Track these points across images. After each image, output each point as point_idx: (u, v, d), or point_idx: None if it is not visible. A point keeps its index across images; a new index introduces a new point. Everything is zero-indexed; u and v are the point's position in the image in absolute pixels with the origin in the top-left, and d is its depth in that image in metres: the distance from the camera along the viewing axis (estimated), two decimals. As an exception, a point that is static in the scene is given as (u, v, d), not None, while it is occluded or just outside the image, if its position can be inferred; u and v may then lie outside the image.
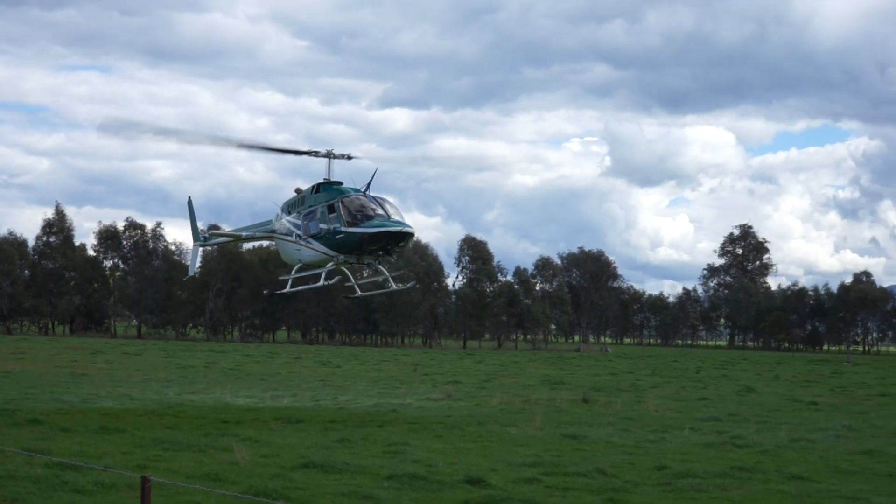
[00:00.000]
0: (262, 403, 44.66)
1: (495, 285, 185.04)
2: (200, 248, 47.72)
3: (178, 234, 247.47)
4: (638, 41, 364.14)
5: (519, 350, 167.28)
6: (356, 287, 39.17)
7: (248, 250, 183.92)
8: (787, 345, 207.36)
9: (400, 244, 36.42)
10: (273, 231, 40.68)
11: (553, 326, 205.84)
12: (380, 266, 37.91)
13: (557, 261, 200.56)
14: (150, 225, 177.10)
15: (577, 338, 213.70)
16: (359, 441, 31.30)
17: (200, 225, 48.44)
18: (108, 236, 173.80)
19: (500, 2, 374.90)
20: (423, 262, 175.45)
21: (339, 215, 35.88)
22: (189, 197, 46.80)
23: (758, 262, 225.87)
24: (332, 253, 36.76)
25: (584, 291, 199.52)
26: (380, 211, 35.78)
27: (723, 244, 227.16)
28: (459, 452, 29.60)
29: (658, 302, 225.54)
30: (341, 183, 37.80)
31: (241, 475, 23.77)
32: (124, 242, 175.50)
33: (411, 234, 36.36)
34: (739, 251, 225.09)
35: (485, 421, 39.36)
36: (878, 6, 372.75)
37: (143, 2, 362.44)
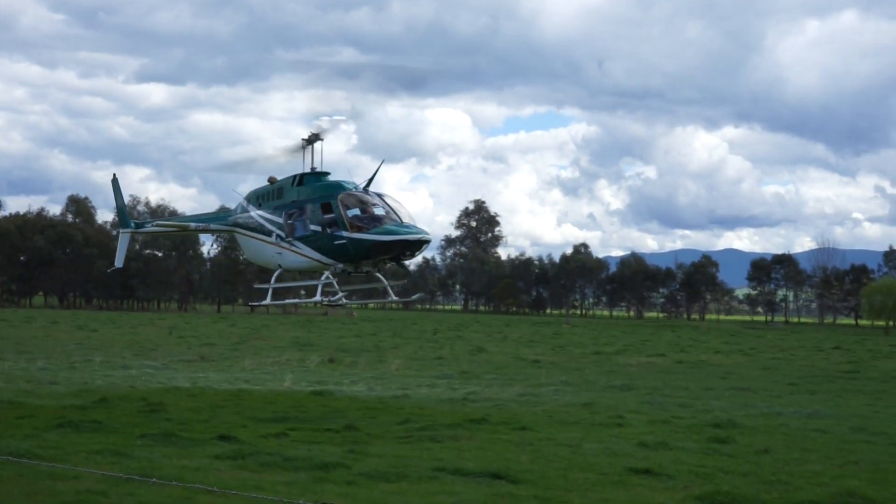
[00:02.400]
0: (17, 366, 42.56)
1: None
2: (129, 236, 35.74)
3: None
4: (382, 28, 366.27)
5: (270, 314, 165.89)
6: (339, 292, 29.97)
7: (5, 217, 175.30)
8: (514, 309, 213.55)
9: (415, 253, 29.44)
10: (236, 224, 32.24)
11: (302, 292, 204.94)
12: (378, 274, 30.44)
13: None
14: None
15: (324, 302, 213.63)
16: (114, 401, 30.26)
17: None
18: None
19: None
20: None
21: (339, 216, 27.89)
22: (114, 174, 35.86)
23: (490, 234, 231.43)
24: (327, 261, 28.75)
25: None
26: (391, 214, 28.09)
27: (459, 217, 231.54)
28: (212, 410, 29.08)
29: (399, 270, 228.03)
30: (328, 174, 30.00)
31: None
32: None
33: (429, 242, 28.69)
34: (474, 224, 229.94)
35: (236, 381, 38.85)
36: (597, 6, 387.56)
37: None
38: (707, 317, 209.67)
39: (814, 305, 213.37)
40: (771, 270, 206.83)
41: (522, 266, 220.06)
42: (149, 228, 37.82)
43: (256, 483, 17.70)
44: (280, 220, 29.66)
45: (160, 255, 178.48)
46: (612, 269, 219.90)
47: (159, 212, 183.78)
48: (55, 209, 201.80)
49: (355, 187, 28.84)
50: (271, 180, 31.19)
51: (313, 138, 29.86)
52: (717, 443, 24.52)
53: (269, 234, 30.19)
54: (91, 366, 44.05)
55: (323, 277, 29.02)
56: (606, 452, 22.87)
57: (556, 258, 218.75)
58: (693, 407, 33.09)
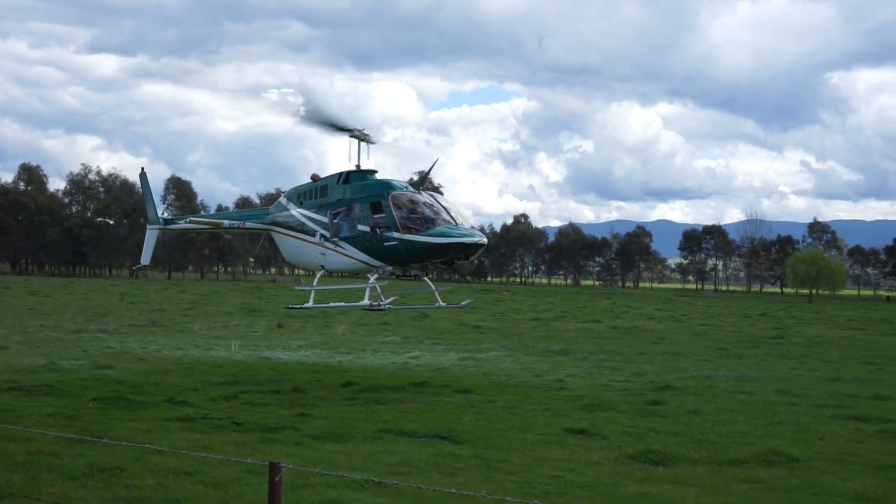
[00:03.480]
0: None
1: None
2: (157, 233, 32.35)
3: None
4: (330, 3, 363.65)
5: (220, 281, 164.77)
6: (381, 297, 27.56)
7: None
8: (457, 276, 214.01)
9: (469, 257, 26.73)
10: (274, 223, 29.86)
11: (252, 259, 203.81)
12: (426, 278, 28.35)
13: (257, 200, 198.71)
14: None
15: (273, 270, 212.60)
16: (65, 366, 29.90)
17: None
18: None
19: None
20: (131, 200, 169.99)
21: (389, 216, 25.86)
22: (142, 168, 32.91)
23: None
24: (375, 262, 26.55)
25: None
26: (443, 214, 26.02)
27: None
28: (163, 374, 28.85)
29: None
30: (375, 172, 27.95)
31: (-55, 399, 22.19)
32: None
33: (485, 245, 26.40)
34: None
35: (186, 346, 38.53)
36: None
37: None
38: (641, 285, 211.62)
39: (742, 274, 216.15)
40: (702, 241, 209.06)
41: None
42: (180, 225, 34.31)
43: (206, 444, 17.60)
44: (324, 220, 27.54)
45: (112, 222, 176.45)
46: (551, 238, 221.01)
47: (110, 181, 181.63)
48: (7, 177, 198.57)
49: (406, 186, 26.87)
50: (314, 177, 29.01)
51: (360, 136, 27.85)
52: (649, 404, 24.77)
53: (311, 233, 28.01)
54: (43, 330, 43.43)
55: (371, 280, 26.66)
56: (545, 414, 23.02)
57: (498, 228, 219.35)
58: (627, 370, 33.40)
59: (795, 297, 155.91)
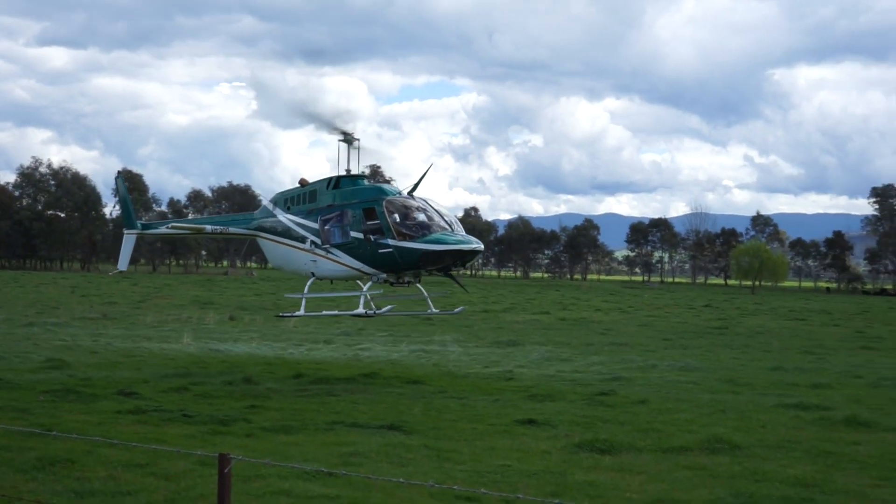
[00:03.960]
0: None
1: (150, 214, 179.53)
2: (135, 238, 30.95)
3: None
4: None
5: (172, 274, 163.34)
6: (371, 305, 27.09)
7: None
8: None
9: (465, 264, 26.78)
10: (260, 228, 28.89)
11: (203, 252, 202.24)
12: (419, 285, 27.46)
13: (209, 193, 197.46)
14: None
15: (225, 263, 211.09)
16: (13, 359, 29.48)
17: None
18: None
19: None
20: (82, 193, 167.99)
21: (384, 223, 25.27)
22: (119, 172, 31.67)
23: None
24: (369, 270, 25.98)
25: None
26: (438, 220, 25.60)
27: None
28: (113, 367, 28.53)
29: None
30: (363, 176, 27.65)
31: None
32: None
33: (481, 252, 26.27)
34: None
35: (138, 338, 38.17)
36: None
37: None
38: (588, 277, 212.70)
39: (687, 266, 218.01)
40: (648, 233, 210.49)
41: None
42: (160, 231, 33.64)
43: (158, 436, 17.45)
44: (313, 226, 26.81)
45: (63, 215, 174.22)
46: (501, 231, 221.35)
47: (61, 173, 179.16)
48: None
49: (398, 192, 26.44)
50: (302, 182, 28.20)
51: (349, 138, 27.29)
52: (597, 395, 24.92)
53: (299, 238, 27.28)
54: (-7, 324, 42.79)
55: (365, 288, 26.34)
56: (494, 404, 23.09)
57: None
58: (575, 362, 33.59)
59: (739, 289, 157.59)
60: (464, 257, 25.49)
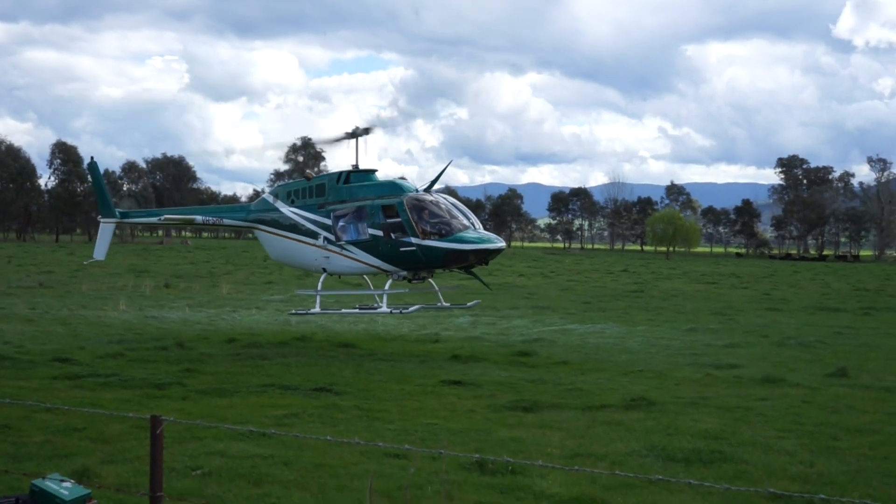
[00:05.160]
0: None
1: (85, 186, 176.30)
2: (112, 227, 28.88)
3: None
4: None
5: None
6: (377, 300, 26.14)
7: None
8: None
9: (488, 262, 25.74)
10: (259, 221, 27.53)
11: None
12: (431, 280, 26.62)
13: (143, 164, 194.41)
14: None
15: (160, 232, 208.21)
16: (-49, 327, 28.79)
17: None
18: None
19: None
20: (17, 164, 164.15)
21: (406, 222, 24.43)
22: (92, 158, 29.08)
23: (316, 169, 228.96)
24: (388, 267, 25.14)
25: (168, 192, 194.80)
26: (461, 219, 24.82)
27: (287, 153, 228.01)
28: (48, 335, 27.98)
29: (232, 201, 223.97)
30: (374, 171, 26.50)
31: None
32: None
33: (503, 250, 25.62)
34: (301, 159, 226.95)
35: (74, 306, 37.49)
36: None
37: None
38: (513, 244, 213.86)
39: (606, 233, 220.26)
40: (569, 202, 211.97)
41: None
42: (142, 220, 30.89)
43: (94, 401, 17.18)
44: (325, 221, 25.65)
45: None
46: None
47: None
48: None
49: (415, 188, 25.55)
50: (307, 176, 27.21)
51: (360, 132, 26.38)
52: (521, 355, 25.11)
53: (308, 233, 26.04)
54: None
55: (387, 285, 25.56)
56: (422, 366, 23.15)
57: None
58: (499, 324, 33.79)
59: (654, 255, 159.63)
60: (487, 256, 24.91)
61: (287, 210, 26.65)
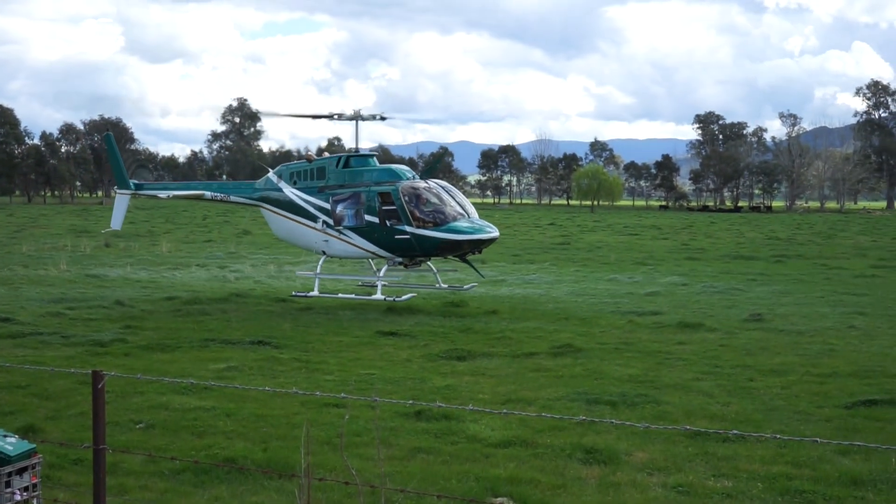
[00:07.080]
0: None
1: (23, 148, 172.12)
2: (128, 198, 29.00)
3: None
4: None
5: (47, 205, 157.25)
6: (377, 286, 25.28)
7: None
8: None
9: (482, 250, 25.69)
10: (264, 199, 27.15)
11: (78, 183, 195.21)
12: (429, 263, 26.30)
13: (81, 126, 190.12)
14: None
15: (100, 193, 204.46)
16: None
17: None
18: None
19: None
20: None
21: (401, 209, 24.11)
22: (108, 132, 28.32)
23: (252, 129, 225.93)
24: (384, 254, 24.95)
25: (106, 154, 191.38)
26: (456, 207, 24.58)
27: (223, 113, 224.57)
28: (-9, 294, 27.37)
29: (170, 162, 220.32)
30: (374, 155, 26.50)
31: None
32: None
33: (497, 239, 25.60)
34: (237, 119, 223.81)
35: (15, 266, 36.69)
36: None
37: None
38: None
39: (534, 189, 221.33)
40: (498, 159, 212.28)
41: (282, 157, 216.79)
42: (154, 192, 29.63)
43: (37, 359, 16.89)
44: (324, 204, 25.39)
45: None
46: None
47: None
48: None
49: (413, 175, 25.29)
50: (308, 158, 26.79)
51: (357, 117, 26.19)
52: (452, 306, 25.19)
53: (307, 215, 25.76)
54: None
55: (382, 272, 25.24)
56: (358, 319, 23.12)
57: (314, 151, 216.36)
58: (432, 277, 33.77)
59: (579, 208, 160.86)
60: (481, 245, 24.75)
61: (289, 191, 26.39)
